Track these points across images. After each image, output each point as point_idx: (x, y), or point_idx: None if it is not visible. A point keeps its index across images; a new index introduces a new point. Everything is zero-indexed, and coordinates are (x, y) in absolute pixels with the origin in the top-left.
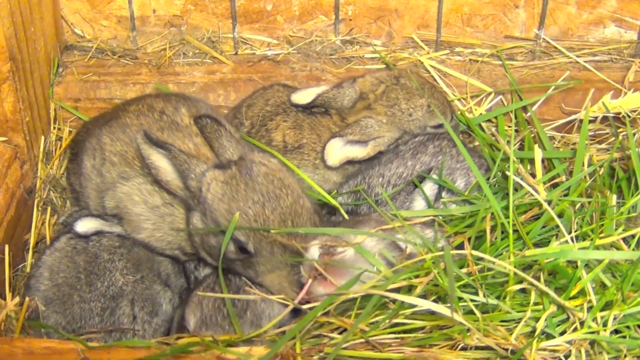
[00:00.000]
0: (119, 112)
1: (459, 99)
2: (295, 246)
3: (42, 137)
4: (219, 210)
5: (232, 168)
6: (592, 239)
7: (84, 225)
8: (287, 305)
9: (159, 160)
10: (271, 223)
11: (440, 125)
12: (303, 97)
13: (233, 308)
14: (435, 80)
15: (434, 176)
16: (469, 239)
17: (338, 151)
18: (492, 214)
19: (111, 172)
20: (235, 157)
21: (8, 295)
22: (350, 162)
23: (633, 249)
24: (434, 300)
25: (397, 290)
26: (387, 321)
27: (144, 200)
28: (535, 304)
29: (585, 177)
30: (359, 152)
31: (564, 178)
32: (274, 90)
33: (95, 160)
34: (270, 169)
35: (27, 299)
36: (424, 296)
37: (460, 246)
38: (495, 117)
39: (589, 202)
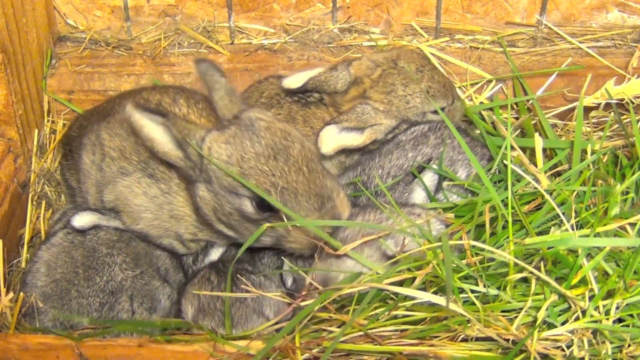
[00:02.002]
0: (116, 107)
1: (459, 87)
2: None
3: (36, 130)
4: (230, 175)
5: (230, 127)
6: (592, 226)
7: (81, 220)
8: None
9: (153, 131)
10: (288, 173)
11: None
12: (294, 81)
13: (232, 295)
14: None
15: (433, 167)
16: (468, 230)
17: (333, 138)
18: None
19: (111, 167)
20: (233, 113)
21: (2, 290)
22: (344, 151)
23: (635, 236)
24: (435, 292)
25: (399, 282)
26: (387, 314)
27: (144, 192)
28: (536, 293)
29: (588, 165)
30: (355, 139)
31: (566, 166)
32: (268, 82)
33: (94, 155)
34: (269, 122)
35: (21, 294)
36: (423, 288)
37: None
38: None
39: (593, 191)
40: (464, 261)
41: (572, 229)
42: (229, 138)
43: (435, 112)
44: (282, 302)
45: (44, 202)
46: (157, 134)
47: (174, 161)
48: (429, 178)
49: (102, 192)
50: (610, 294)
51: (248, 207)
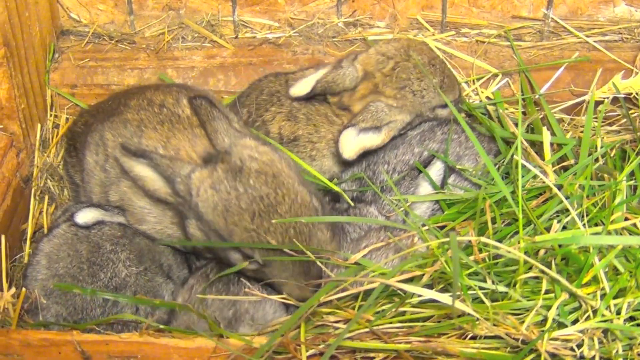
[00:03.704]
0: (120, 107)
1: (465, 82)
2: (306, 254)
3: (39, 125)
4: (217, 223)
5: (217, 168)
6: (603, 223)
7: (85, 216)
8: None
9: (143, 170)
10: (272, 234)
11: (446, 105)
12: (301, 88)
13: (231, 296)
14: None
15: (439, 161)
16: (478, 224)
17: (353, 142)
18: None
19: (115, 168)
20: (227, 144)
21: (5, 286)
22: (365, 153)
23: None
24: (443, 289)
25: (409, 279)
26: (393, 310)
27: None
28: (547, 291)
29: (597, 158)
30: (374, 139)
31: (572, 161)
32: (267, 80)
33: (98, 156)
34: (261, 164)
35: (23, 290)
36: (431, 285)
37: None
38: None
39: (600, 185)
40: (471, 257)
41: (582, 223)
42: (215, 183)
43: (444, 106)
44: (282, 304)
45: (46, 197)
46: (147, 172)
47: (164, 198)
48: (435, 173)
49: (107, 193)
50: (621, 292)
51: (235, 255)
